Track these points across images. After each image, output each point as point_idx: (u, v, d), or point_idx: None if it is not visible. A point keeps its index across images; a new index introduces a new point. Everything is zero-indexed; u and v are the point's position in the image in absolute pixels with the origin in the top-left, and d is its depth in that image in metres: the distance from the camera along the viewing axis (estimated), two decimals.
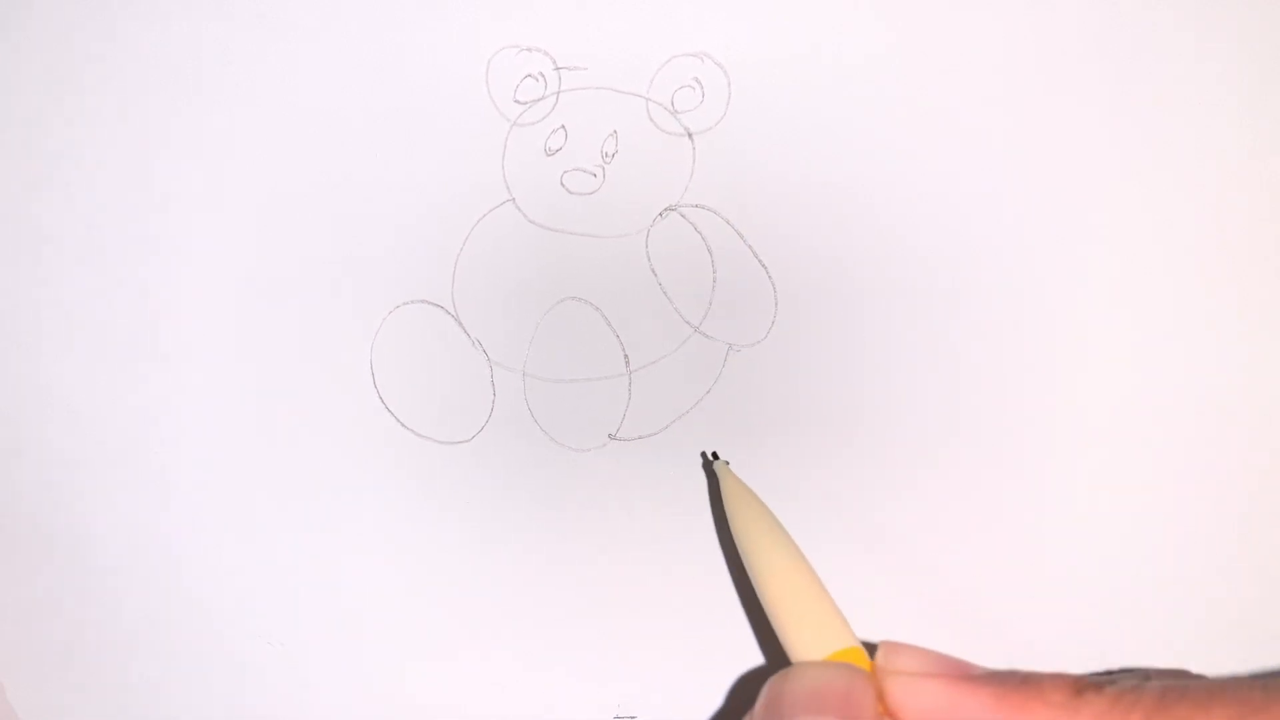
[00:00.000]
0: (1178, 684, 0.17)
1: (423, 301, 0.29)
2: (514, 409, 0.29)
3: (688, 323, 0.29)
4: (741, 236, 0.29)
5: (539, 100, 0.29)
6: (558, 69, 0.29)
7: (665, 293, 0.29)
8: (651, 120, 0.29)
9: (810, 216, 0.29)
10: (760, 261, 0.29)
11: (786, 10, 0.28)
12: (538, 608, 0.30)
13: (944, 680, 0.19)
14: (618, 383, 0.29)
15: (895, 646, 0.21)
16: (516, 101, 0.29)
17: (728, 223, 0.29)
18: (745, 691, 0.29)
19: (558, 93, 0.29)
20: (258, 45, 0.29)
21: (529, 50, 0.29)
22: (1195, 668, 0.29)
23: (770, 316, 0.29)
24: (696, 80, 0.29)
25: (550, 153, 0.29)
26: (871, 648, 0.22)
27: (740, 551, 0.24)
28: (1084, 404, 0.29)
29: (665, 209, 0.29)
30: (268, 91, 0.29)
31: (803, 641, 0.21)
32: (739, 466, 0.29)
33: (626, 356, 0.29)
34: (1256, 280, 0.28)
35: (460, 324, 0.29)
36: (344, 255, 0.29)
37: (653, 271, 0.29)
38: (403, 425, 0.30)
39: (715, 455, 0.28)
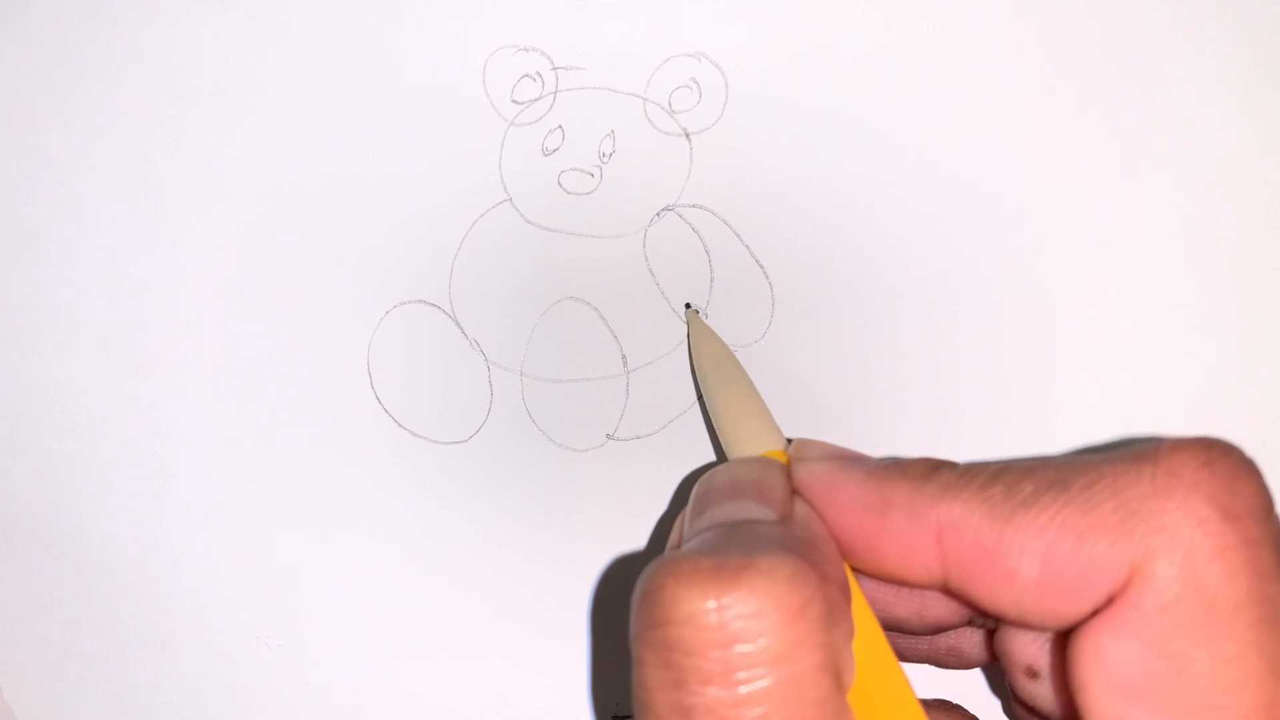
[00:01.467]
0: (1013, 460, 0.20)
1: (420, 301, 0.29)
2: (511, 409, 0.29)
3: (685, 323, 0.29)
4: (739, 236, 0.29)
5: (536, 100, 0.29)
6: (555, 69, 0.29)
7: (663, 293, 0.29)
8: (649, 120, 0.29)
9: (807, 216, 0.29)
10: (757, 261, 0.29)
11: (784, 10, 0.28)
12: (535, 607, 0.30)
13: (833, 462, 0.22)
14: (615, 383, 0.29)
15: (804, 441, 0.24)
16: (513, 101, 0.29)
17: (725, 223, 0.29)
18: (688, 490, 0.30)
19: (555, 92, 0.29)
20: (255, 45, 0.29)
21: (526, 50, 0.29)
22: None
23: (767, 316, 0.29)
24: (694, 80, 0.29)
25: (547, 153, 0.29)
26: None
27: (699, 383, 0.27)
28: (1084, 404, 0.29)
29: (662, 209, 0.29)
30: (264, 91, 0.29)
31: (738, 447, 0.24)
32: None
33: (624, 356, 0.29)
34: (1257, 280, 0.28)
35: (457, 324, 0.29)
36: (341, 255, 0.29)
37: (650, 271, 0.29)
38: (400, 425, 0.30)
39: (689, 305, 0.29)
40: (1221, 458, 0.18)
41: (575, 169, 0.29)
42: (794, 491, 0.22)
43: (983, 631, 0.24)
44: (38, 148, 0.30)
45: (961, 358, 0.29)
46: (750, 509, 0.21)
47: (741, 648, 0.17)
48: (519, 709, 0.30)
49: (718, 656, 0.17)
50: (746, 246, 0.29)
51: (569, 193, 0.29)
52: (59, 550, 0.31)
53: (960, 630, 0.25)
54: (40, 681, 0.31)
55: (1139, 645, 0.18)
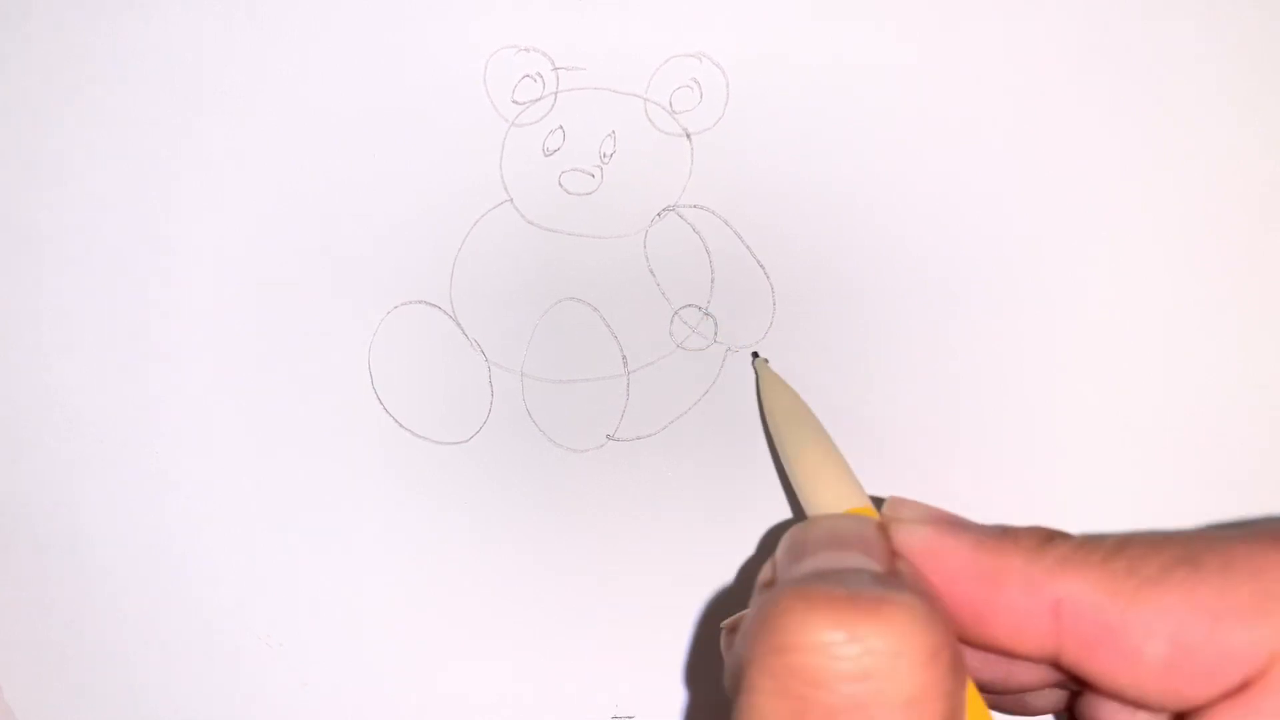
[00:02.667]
0: (1134, 533, 0.19)
1: (420, 302, 0.29)
2: (512, 409, 0.29)
3: (685, 323, 0.29)
4: (739, 237, 0.29)
5: (537, 100, 0.29)
6: (556, 69, 0.29)
7: (663, 293, 0.29)
8: (650, 120, 0.29)
9: (808, 217, 0.29)
10: (758, 262, 0.29)
11: (785, 10, 0.28)
12: (535, 608, 0.30)
13: (937, 526, 0.21)
14: (616, 383, 0.29)
15: (900, 500, 0.23)
16: (514, 102, 0.29)
17: (726, 223, 0.29)
18: (772, 542, 0.29)
19: (556, 93, 0.29)
20: (256, 46, 0.29)
21: (527, 50, 0.29)
22: None
23: (768, 316, 0.29)
24: (694, 81, 0.29)
25: (548, 153, 0.29)
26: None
27: (773, 434, 0.27)
28: (1084, 404, 0.29)
29: (663, 209, 0.29)
30: (266, 92, 0.29)
31: (821, 502, 0.23)
32: (738, 465, 0.29)
33: (624, 357, 0.29)
34: (1256, 280, 0.28)
35: (458, 324, 0.29)
36: (342, 255, 0.29)
37: (651, 272, 0.29)
38: (400, 426, 0.30)
39: (755, 354, 0.29)
40: None
41: (576, 169, 0.29)
42: (895, 553, 0.21)
43: (1062, 692, 0.24)
44: (39, 148, 0.30)
45: (961, 357, 0.29)
46: (854, 559, 0.20)
47: (874, 685, 0.17)
48: (519, 709, 0.30)
49: (848, 692, 0.17)
50: (747, 246, 0.29)
51: (570, 193, 0.29)
52: (59, 550, 0.31)
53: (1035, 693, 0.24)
54: (40, 681, 0.31)
55: None
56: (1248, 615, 0.17)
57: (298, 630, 0.30)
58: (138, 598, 0.30)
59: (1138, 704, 0.19)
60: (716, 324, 0.29)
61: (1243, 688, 0.18)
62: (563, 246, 0.29)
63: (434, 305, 0.29)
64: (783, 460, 0.25)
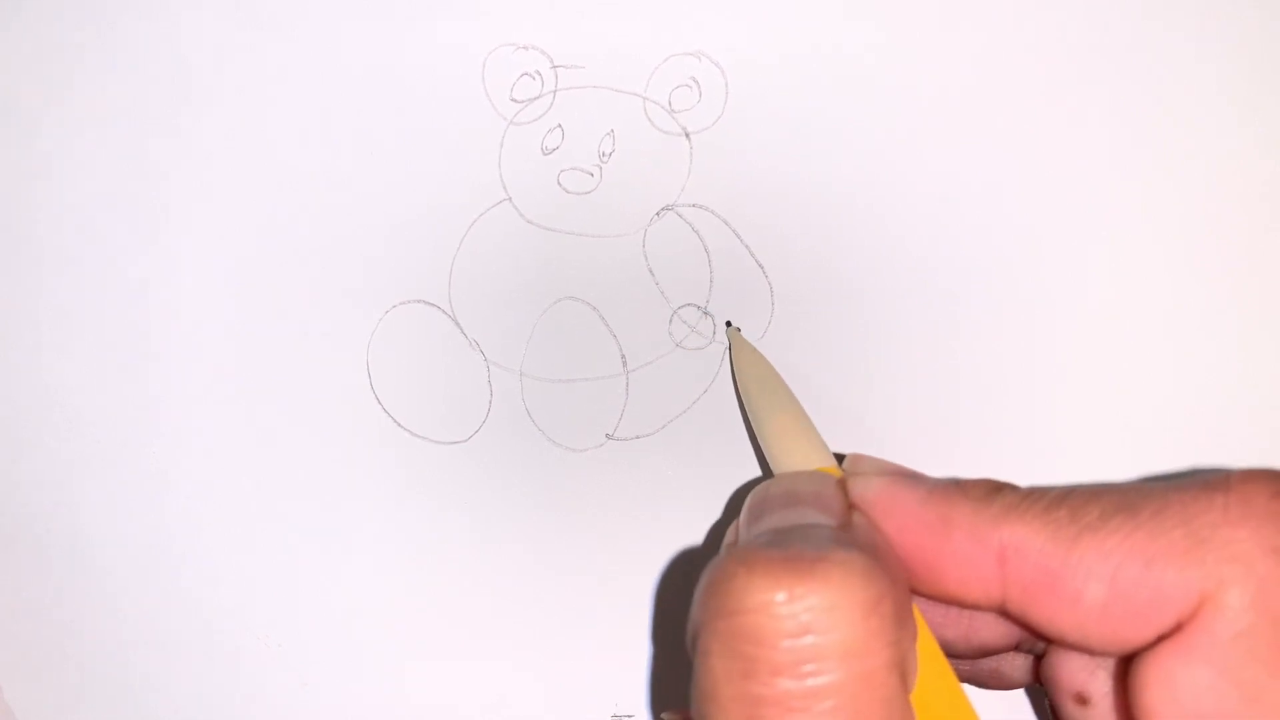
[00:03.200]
0: (1077, 485, 0.20)
1: (419, 301, 0.29)
2: (511, 409, 0.29)
3: (684, 322, 0.29)
4: (738, 236, 0.29)
5: (536, 99, 0.29)
6: (554, 67, 0.29)
7: (662, 292, 0.29)
8: (649, 119, 0.29)
9: (807, 216, 0.29)
10: (757, 261, 0.29)
11: (784, 9, 0.28)
12: (535, 607, 0.30)
13: (891, 478, 0.21)
14: (615, 382, 0.29)
15: (859, 456, 0.24)
16: (513, 100, 0.29)
17: (725, 222, 0.29)
18: (738, 502, 0.29)
19: (554, 91, 0.29)
20: (254, 45, 0.29)
21: (525, 48, 0.29)
22: None
23: (767, 316, 0.29)
24: (694, 79, 0.28)
25: (547, 152, 0.29)
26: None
27: (743, 399, 0.27)
28: (1084, 403, 0.29)
29: (662, 208, 0.29)
30: (264, 91, 0.29)
31: (787, 462, 0.24)
32: (738, 464, 0.29)
33: (624, 356, 0.29)
34: (1256, 280, 0.28)
35: (457, 324, 0.29)
36: (340, 255, 0.29)
37: (650, 271, 0.29)
38: (399, 425, 0.30)
39: (729, 323, 0.29)
40: None
41: (575, 168, 0.29)
42: (851, 506, 0.22)
43: (1028, 655, 0.24)
44: (38, 148, 0.30)
45: (961, 357, 0.29)
46: (809, 515, 0.21)
47: (814, 640, 0.17)
48: (519, 709, 0.30)
49: (789, 647, 0.17)
50: (746, 246, 0.29)
51: (569, 192, 0.29)
52: (59, 550, 0.31)
53: (1004, 654, 0.25)
54: (40, 681, 0.31)
55: (1210, 672, 0.18)
56: (1178, 558, 0.18)
57: (298, 630, 0.30)
58: (138, 598, 0.30)
59: (1082, 648, 0.20)
60: (715, 323, 0.29)
61: (1176, 629, 0.18)
62: (562, 245, 0.29)
63: (433, 305, 0.29)
64: (753, 424, 0.26)
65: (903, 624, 0.18)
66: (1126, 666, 0.19)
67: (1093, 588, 0.19)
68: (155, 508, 0.30)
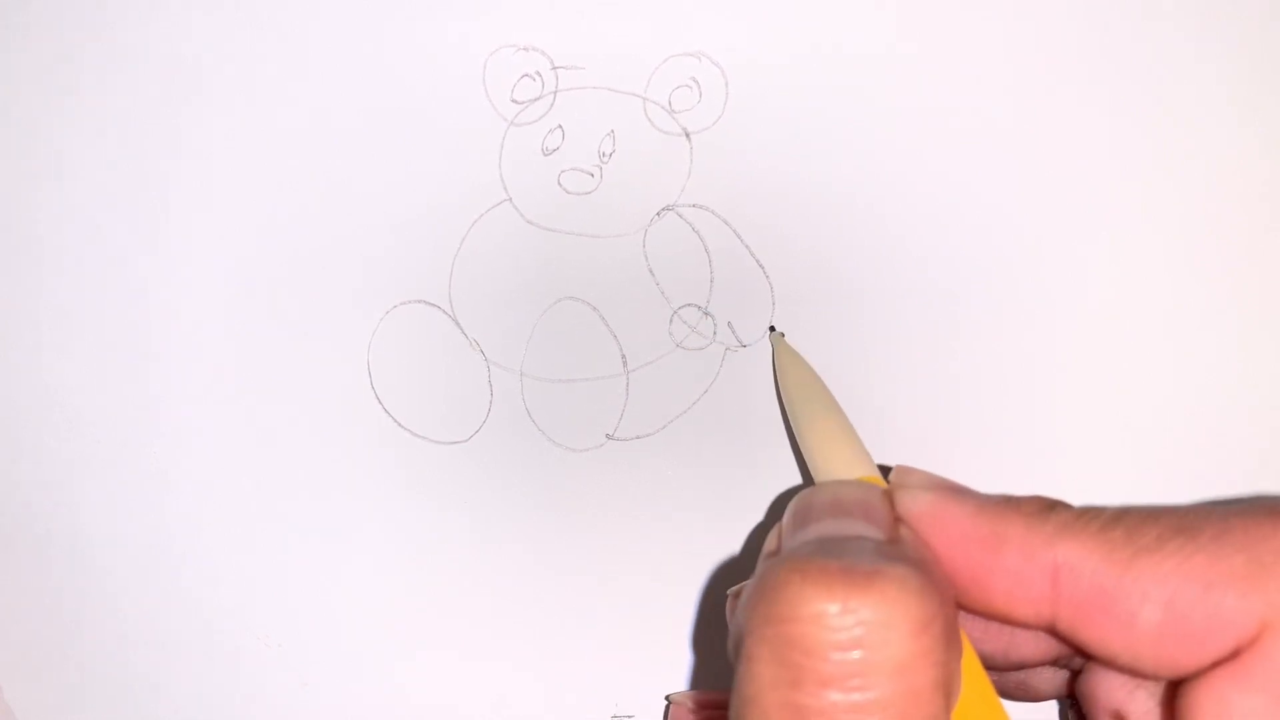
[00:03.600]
0: (1132, 505, 0.20)
1: (420, 301, 0.29)
2: (511, 409, 0.29)
3: (685, 322, 0.29)
4: (739, 236, 0.29)
5: (536, 100, 0.29)
6: (555, 68, 0.29)
7: (663, 292, 0.29)
8: (649, 120, 0.29)
9: (807, 216, 0.29)
10: (757, 261, 0.29)
11: (784, 10, 0.28)
12: (535, 608, 0.30)
13: (940, 492, 0.21)
14: (615, 383, 0.29)
15: (906, 469, 0.23)
16: (513, 101, 0.29)
17: (725, 222, 0.29)
18: (781, 507, 0.29)
19: (555, 92, 0.29)
20: (255, 45, 0.29)
21: (526, 49, 0.29)
22: None
23: (767, 316, 0.29)
24: (694, 80, 0.28)
25: (547, 152, 0.29)
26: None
27: (786, 405, 0.27)
28: (1084, 403, 0.29)
29: (662, 209, 0.29)
30: (264, 91, 0.29)
31: (830, 469, 0.24)
32: (737, 465, 0.29)
33: (624, 356, 0.29)
34: (1257, 280, 0.28)
35: (457, 324, 0.29)
36: (341, 255, 0.29)
37: (650, 271, 0.29)
38: (400, 425, 0.30)
39: (772, 328, 0.29)
40: None
41: (575, 169, 0.29)
42: (899, 519, 0.21)
43: (1063, 669, 0.24)
44: (38, 148, 0.30)
45: (961, 357, 0.29)
46: (857, 526, 0.20)
47: (864, 654, 0.17)
48: (519, 709, 0.30)
49: (839, 659, 0.17)
50: (746, 246, 0.29)
51: (569, 192, 0.29)
52: (59, 550, 0.31)
53: (1038, 668, 0.24)
54: (40, 681, 0.31)
55: (1267, 700, 0.17)
56: (1240, 583, 0.18)
57: (298, 630, 0.30)
58: (138, 598, 0.30)
59: (1132, 670, 0.20)
60: (715, 323, 0.29)
61: (1234, 655, 0.18)
62: (562, 246, 0.29)
63: (433, 305, 0.29)
64: (795, 430, 0.26)
65: (950, 643, 0.18)
66: (1175, 690, 0.19)
67: (1148, 610, 0.18)
68: (155, 508, 0.30)
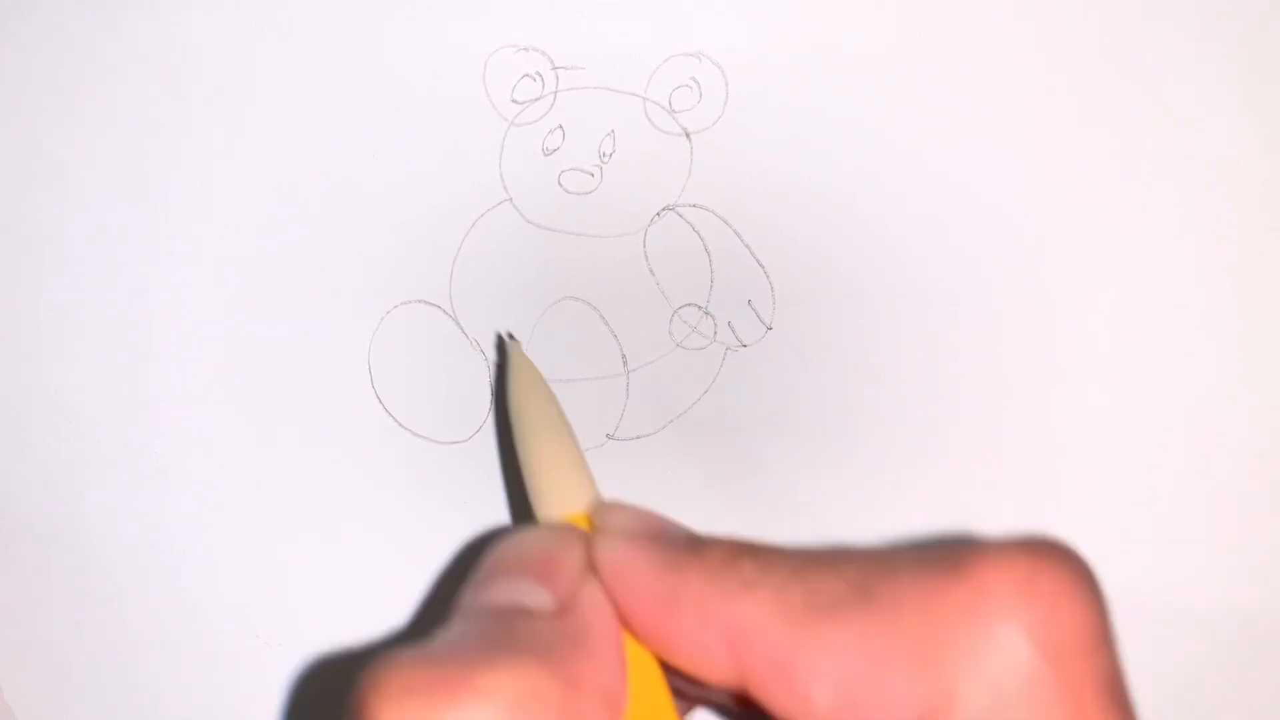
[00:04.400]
0: (821, 551, 0.18)
1: (420, 301, 0.29)
2: None
3: (685, 322, 0.29)
4: (739, 236, 0.29)
5: (536, 100, 0.29)
6: (555, 69, 0.29)
7: (663, 292, 0.29)
8: (649, 120, 0.29)
9: (808, 216, 0.29)
10: (758, 261, 0.29)
11: (784, 9, 0.28)
12: None
13: (632, 541, 0.19)
14: (615, 383, 0.29)
15: (610, 507, 0.21)
16: (514, 101, 0.29)
17: (725, 222, 0.29)
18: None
19: (555, 92, 0.29)
20: (255, 46, 0.29)
21: (526, 50, 0.29)
22: (1193, 666, 0.29)
23: (768, 316, 0.29)
24: (694, 80, 0.29)
25: (548, 152, 0.29)
26: None
27: (513, 426, 0.24)
28: (1084, 403, 0.29)
29: (663, 209, 0.29)
30: (264, 92, 0.29)
31: (543, 502, 0.22)
32: (737, 467, 0.29)
33: (624, 356, 0.29)
34: (1257, 280, 0.28)
35: (457, 324, 0.29)
36: (341, 255, 0.29)
37: (650, 271, 0.29)
38: (400, 425, 0.30)
39: (510, 336, 0.27)
40: (1045, 573, 0.16)
41: (575, 169, 0.29)
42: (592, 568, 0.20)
43: None
44: (39, 149, 0.30)
45: (962, 358, 0.29)
46: (527, 593, 0.19)
47: None
48: None
49: None
50: (747, 246, 0.29)
51: (569, 192, 0.29)
52: (59, 550, 0.31)
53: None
54: (40, 681, 0.31)
55: None
56: (909, 658, 0.16)
57: (298, 630, 0.30)
58: (138, 598, 0.30)
59: None
60: (716, 323, 0.29)
61: None
62: (562, 246, 0.29)
63: (433, 305, 0.29)
64: (519, 452, 0.24)
65: None
66: None
67: (821, 688, 0.16)
68: (155, 508, 0.30)
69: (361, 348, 0.30)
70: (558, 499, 0.22)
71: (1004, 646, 0.15)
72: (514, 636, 0.17)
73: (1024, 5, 0.28)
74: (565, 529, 0.21)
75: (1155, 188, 0.28)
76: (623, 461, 0.29)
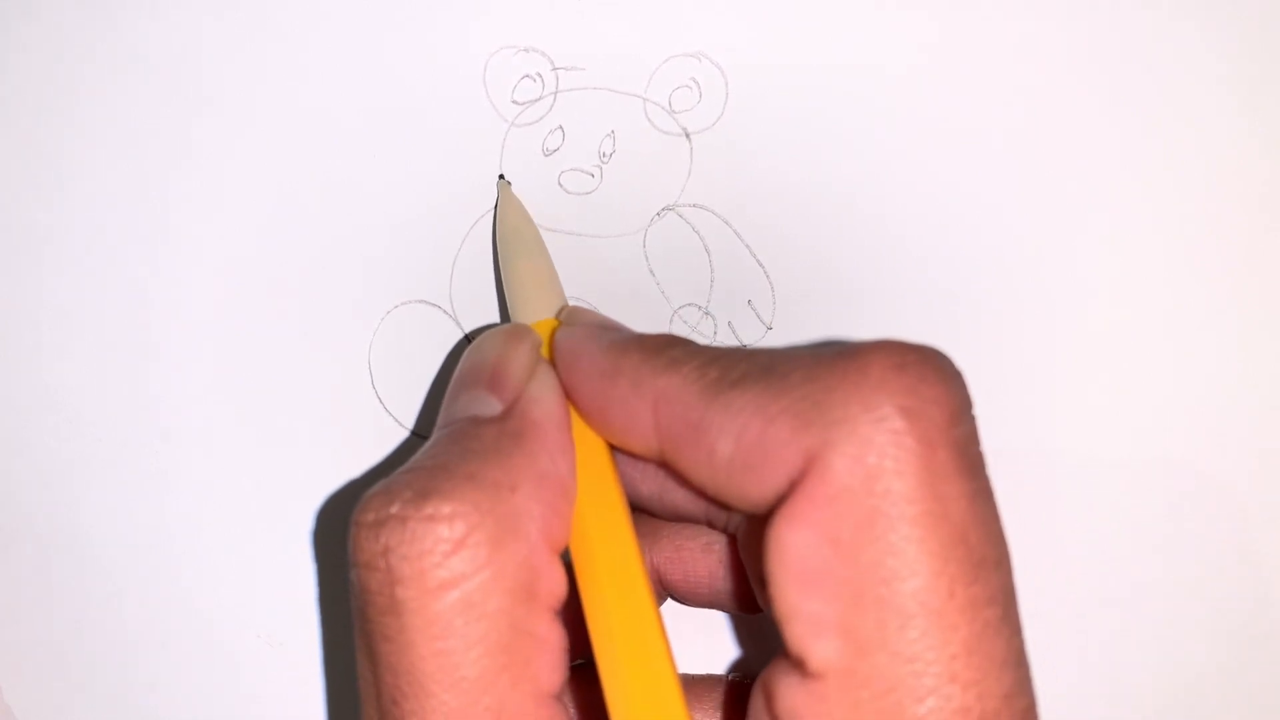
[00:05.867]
0: (741, 347, 0.21)
1: (420, 301, 0.29)
2: None
3: (685, 322, 0.29)
4: (739, 236, 0.29)
5: (536, 100, 0.29)
6: (555, 69, 0.29)
7: (663, 293, 0.29)
8: (649, 120, 0.29)
9: (808, 216, 0.29)
10: (758, 261, 0.29)
11: (784, 10, 0.28)
12: None
13: (586, 328, 0.23)
14: None
15: (577, 309, 0.25)
16: (514, 102, 0.29)
17: (725, 223, 0.29)
18: None
19: (555, 93, 0.29)
20: (255, 47, 0.29)
21: (526, 51, 0.29)
22: (1193, 666, 0.29)
23: (769, 316, 0.29)
24: (694, 80, 0.29)
25: (548, 153, 0.29)
26: None
27: (498, 251, 0.28)
28: (1084, 403, 0.29)
29: (663, 209, 0.29)
30: (265, 93, 0.29)
31: (518, 315, 0.25)
32: None
33: None
34: (1257, 280, 0.28)
35: (458, 324, 0.29)
36: (341, 255, 0.29)
37: (650, 272, 0.29)
38: (401, 425, 0.30)
39: (501, 176, 0.29)
40: (916, 361, 0.19)
41: (575, 169, 0.29)
42: (548, 360, 0.23)
43: (720, 538, 0.25)
44: (39, 149, 0.30)
45: (962, 358, 0.29)
46: (479, 402, 0.22)
47: (401, 587, 0.19)
48: None
49: (387, 594, 0.19)
50: (747, 246, 0.29)
51: (569, 193, 0.29)
52: (59, 550, 0.31)
53: (696, 571, 0.25)
54: (40, 681, 0.31)
55: (812, 534, 0.18)
56: (792, 419, 0.18)
57: (298, 630, 0.30)
58: (138, 597, 0.30)
59: (718, 501, 0.21)
60: (716, 323, 0.29)
61: (790, 489, 0.18)
62: (562, 246, 0.29)
63: (434, 305, 0.29)
64: (500, 272, 0.27)
65: (511, 539, 0.19)
66: None
67: (723, 442, 0.19)
68: (155, 508, 0.30)
69: (361, 348, 0.30)
70: (531, 307, 0.25)
71: (874, 410, 0.18)
72: (464, 452, 0.20)
73: (1024, 5, 0.28)
74: (517, 328, 0.24)
75: (1155, 188, 0.28)
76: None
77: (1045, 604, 0.29)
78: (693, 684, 0.25)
